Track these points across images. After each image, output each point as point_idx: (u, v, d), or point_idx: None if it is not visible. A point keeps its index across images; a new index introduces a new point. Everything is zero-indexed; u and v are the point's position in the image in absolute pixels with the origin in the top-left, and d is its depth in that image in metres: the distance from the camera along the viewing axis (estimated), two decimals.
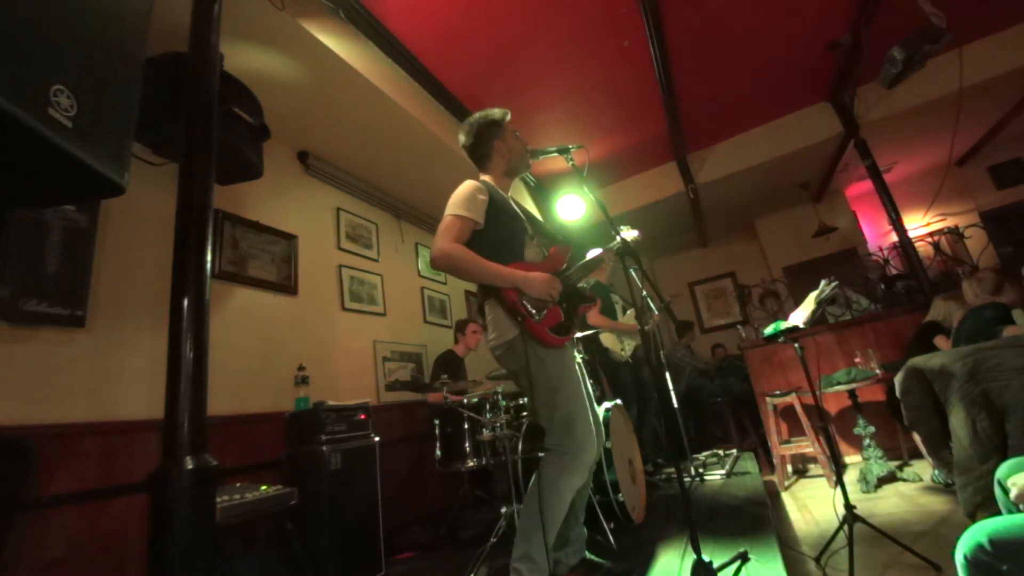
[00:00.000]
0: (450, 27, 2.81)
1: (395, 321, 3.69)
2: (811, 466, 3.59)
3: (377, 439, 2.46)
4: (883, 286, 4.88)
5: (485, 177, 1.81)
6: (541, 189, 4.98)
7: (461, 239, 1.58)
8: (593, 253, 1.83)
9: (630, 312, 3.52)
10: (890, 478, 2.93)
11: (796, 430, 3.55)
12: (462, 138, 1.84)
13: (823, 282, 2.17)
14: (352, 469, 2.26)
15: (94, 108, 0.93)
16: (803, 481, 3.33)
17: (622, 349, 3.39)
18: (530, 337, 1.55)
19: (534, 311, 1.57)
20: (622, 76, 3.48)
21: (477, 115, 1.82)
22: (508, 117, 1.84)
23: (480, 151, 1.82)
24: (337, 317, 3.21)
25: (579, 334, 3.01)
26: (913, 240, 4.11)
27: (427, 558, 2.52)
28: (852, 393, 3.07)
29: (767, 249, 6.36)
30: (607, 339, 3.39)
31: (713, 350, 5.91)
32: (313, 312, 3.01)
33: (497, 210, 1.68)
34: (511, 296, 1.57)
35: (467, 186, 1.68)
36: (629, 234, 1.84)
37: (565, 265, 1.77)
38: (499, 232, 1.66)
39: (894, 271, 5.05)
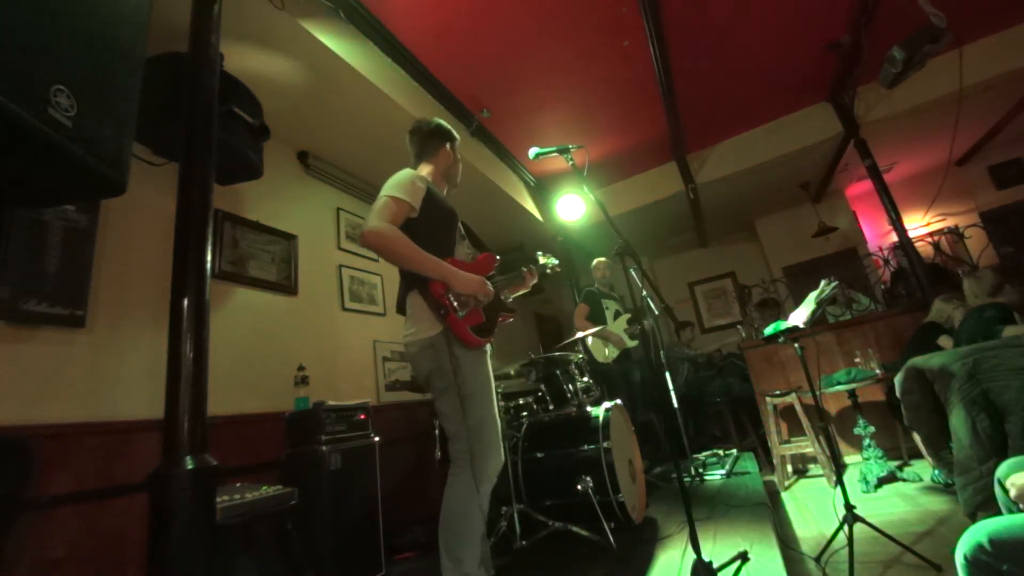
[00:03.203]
0: (450, 27, 2.81)
1: (395, 321, 3.67)
2: (811, 466, 3.59)
3: (377, 439, 2.45)
4: (884, 286, 4.89)
5: (423, 170, 1.81)
6: (541, 189, 4.98)
7: (395, 222, 1.53)
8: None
9: (621, 318, 3.56)
10: (890, 478, 2.92)
11: (796, 430, 3.55)
12: (419, 124, 1.88)
13: (823, 282, 2.17)
14: (352, 469, 2.26)
15: (94, 108, 0.94)
16: (803, 481, 3.33)
17: (605, 354, 3.43)
18: (452, 336, 1.52)
19: (458, 307, 1.55)
20: (622, 76, 3.48)
21: (440, 120, 1.92)
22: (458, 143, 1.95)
23: (430, 143, 1.85)
24: (337, 317, 3.21)
25: (578, 336, 3.04)
26: (913, 240, 4.11)
27: (427, 558, 2.52)
28: (852, 393, 3.07)
29: (767, 249, 6.37)
30: (591, 342, 3.43)
31: (713, 352, 5.91)
32: (313, 312, 3.01)
33: (434, 203, 1.66)
34: (437, 289, 1.53)
35: (406, 172, 1.67)
36: (552, 260, 1.97)
37: (492, 272, 1.78)
38: (433, 225, 1.64)
39: (894, 269, 5.05)
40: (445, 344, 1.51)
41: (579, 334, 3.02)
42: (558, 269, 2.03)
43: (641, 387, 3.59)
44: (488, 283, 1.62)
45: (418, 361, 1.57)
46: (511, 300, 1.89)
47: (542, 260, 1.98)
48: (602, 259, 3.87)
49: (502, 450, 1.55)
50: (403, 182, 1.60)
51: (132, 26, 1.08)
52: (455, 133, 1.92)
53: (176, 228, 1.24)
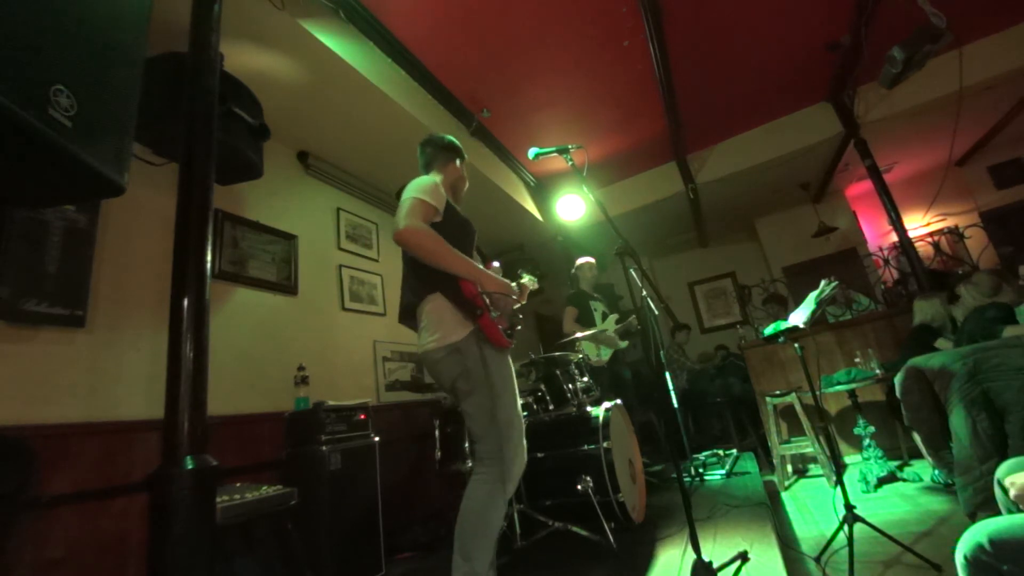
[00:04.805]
0: (450, 27, 2.81)
1: (395, 321, 3.66)
2: (811, 466, 3.59)
3: (377, 439, 2.46)
4: (884, 286, 4.89)
5: (436, 178, 1.82)
6: (541, 189, 4.98)
7: (426, 222, 1.54)
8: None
9: (611, 318, 3.57)
10: (890, 478, 2.92)
11: (796, 430, 3.55)
12: (432, 136, 1.91)
13: (823, 282, 2.17)
14: (352, 469, 2.26)
15: (94, 108, 0.94)
16: (803, 481, 3.33)
17: (598, 355, 3.43)
18: (483, 337, 1.52)
19: (490, 306, 1.55)
20: (622, 76, 3.48)
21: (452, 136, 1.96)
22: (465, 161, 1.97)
23: (441, 155, 1.88)
24: (337, 317, 3.21)
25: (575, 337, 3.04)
26: (913, 240, 4.10)
27: (427, 558, 2.52)
28: (852, 393, 3.07)
29: (767, 249, 6.36)
30: (584, 344, 3.42)
31: (716, 351, 5.91)
32: (313, 312, 3.01)
33: (452, 211, 1.69)
34: (470, 288, 1.53)
35: (429, 177, 1.68)
36: (532, 278, 1.98)
37: None
38: (453, 232, 1.64)
39: (896, 272, 5.06)
40: (474, 346, 1.51)
41: (578, 335, 3.02)
42: (536, 286, 2.04)
43: (634, 388, 3.59)
44: (513, 285, 1.63)
45: (442, 368, 1.55)
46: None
47: (524, 278, 1.97)
48: (589, 259, 3.81)
49: (525, 451, 1.56)
50: (428, 186, 1.61)
51: (132, 26, 1.08)
52: (464, 152, 1.95)
53: (176, 228, 1.23)
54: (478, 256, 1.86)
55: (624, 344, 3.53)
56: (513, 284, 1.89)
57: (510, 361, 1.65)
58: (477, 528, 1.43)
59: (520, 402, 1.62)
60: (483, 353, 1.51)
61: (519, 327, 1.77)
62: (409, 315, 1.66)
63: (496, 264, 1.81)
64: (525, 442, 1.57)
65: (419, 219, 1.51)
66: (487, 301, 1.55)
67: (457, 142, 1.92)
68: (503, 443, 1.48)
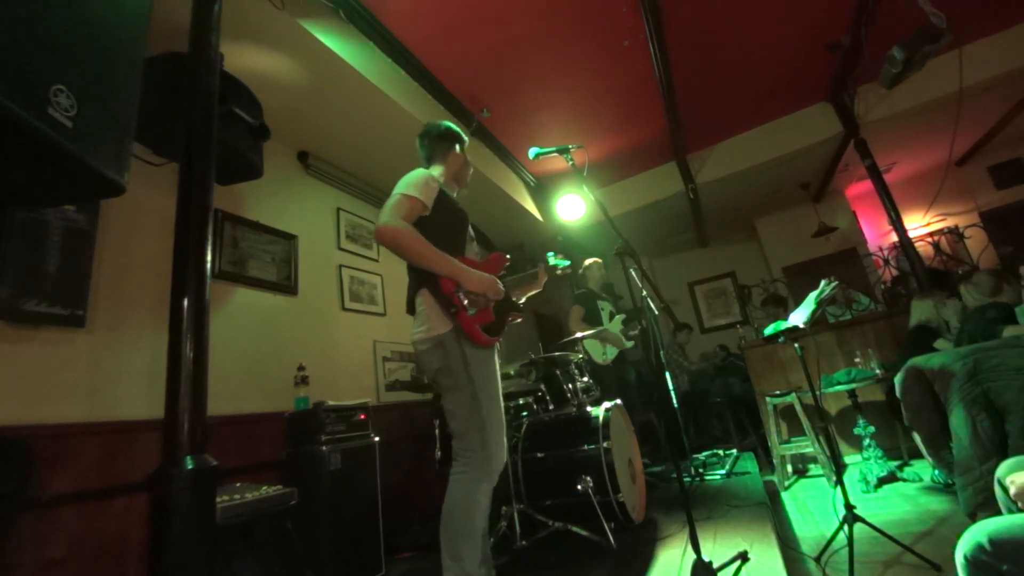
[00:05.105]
0: (450, 27, 2.81)
1: (395, 321, 3.68)
2: (811, 466, 3.59)
3: (377, 439, 2.45)
4: (884, 286, 4.89)
5: (434, 171, 1.81)
6: (541, 189, 4.98)
7: (408, 219, 1.54)
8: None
9: (617, 319, 3.57)
10: (890, 478, 2.92)
11: (796, 430, 3.55)
12: (428, 127, 1.89)
13: (823, 282, 2.17)
14: (352, 469, 2.26)
15: (94, 108, 0.94)
16: (803, 481, 3.33)
17: (603, 354, 3.43)
18: (462, 334, 1.53)
19: (468, 305, 1.56)
20: (622, 76, 3.48)
21: (448, 122, 1.94)
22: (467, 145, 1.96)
23: (440, 146, 1.86)
24: (337, 317, 3.21)
25: (578, 336, 3.04)
26: (913, 240, 4.10)
27: (427, 558, 2.52)
28: (852, 393, 3.07)
29: (767, 249, 6.36)
30: (588, 344, 3.43)
31: (718, 350, 5.91)
32: (313, 312, 3.01)
33: (446, 203, 1.68)
34: (448, 286, 1.54)
35: (419, 171, 1.68)
36: (562, 262, 1.96)
37: (502, 272, 1.79)
38: (444, 225, 1.65)
39: (895, 272, 5.06)
40: (455, 342, 1.52)
41: (579, 334, 3.02)
42: (568, 271, 2.01)
43: (637, 388, 3.59)
44: (499, 282, 1.63)
45: (426, 359, 1.58)
46: (522, 301, 1.88)
47: (552, 261, 1.96)
48: (597, 260, 3.84)
49: (505, 449, 1.56)
50: (417, 181, 1.61)
51: (132, 26, 1.08)
52: (464, 135, 1.92)
53: (176, 228, 1.24)
54: (475, 244, 1.85)
55: (630, 344, 3.53)
56: (533, 270, 1.88)
57: (495, 357, 1.64)
58: (462, 527, 1.45)
59: (501, 401, 1.61)
60: (464, 351, 1.52)
61: (519, 320, 1.76)
62: (411, 307, 1.67)
63: (506, 257, 1.81)
64: (505, 440, 1.57)
65: (399, 216, 1.52)
66: (463, 300, 1.55)
67: (454, 127, 1.89)
68: (483, 440, 1.49)
